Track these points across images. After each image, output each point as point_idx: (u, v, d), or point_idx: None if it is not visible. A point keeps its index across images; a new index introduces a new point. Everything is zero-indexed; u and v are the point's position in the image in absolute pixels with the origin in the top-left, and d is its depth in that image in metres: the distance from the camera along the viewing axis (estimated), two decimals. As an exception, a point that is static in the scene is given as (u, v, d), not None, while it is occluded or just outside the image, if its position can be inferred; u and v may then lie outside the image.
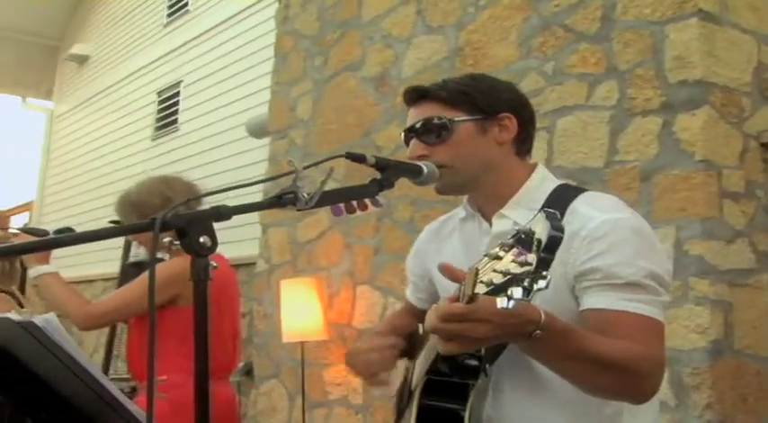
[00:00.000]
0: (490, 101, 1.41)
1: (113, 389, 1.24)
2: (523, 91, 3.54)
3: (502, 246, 0.91)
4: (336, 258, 4.45)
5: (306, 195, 1.14)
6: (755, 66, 3.04)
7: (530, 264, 0.87)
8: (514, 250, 0.89)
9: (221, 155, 6.48)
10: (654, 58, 2.99)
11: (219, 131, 6.76)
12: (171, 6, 8.18)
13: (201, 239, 1.03)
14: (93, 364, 1.24)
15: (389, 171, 1.29)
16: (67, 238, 1.07)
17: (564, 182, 1.46)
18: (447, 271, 1.14)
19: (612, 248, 1.25)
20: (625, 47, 3.09)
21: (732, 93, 2.93)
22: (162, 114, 7.97)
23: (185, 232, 1.03)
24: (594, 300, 1.24)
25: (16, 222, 8.97)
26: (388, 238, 4.14)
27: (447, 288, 1.44)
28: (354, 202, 1.27)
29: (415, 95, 1.44)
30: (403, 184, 1.42)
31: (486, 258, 0.93)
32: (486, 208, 1.44)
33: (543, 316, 1.06)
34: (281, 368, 4.74)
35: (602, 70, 3.17)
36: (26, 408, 1.34)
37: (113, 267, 4.69)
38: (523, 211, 1.37)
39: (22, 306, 3.24)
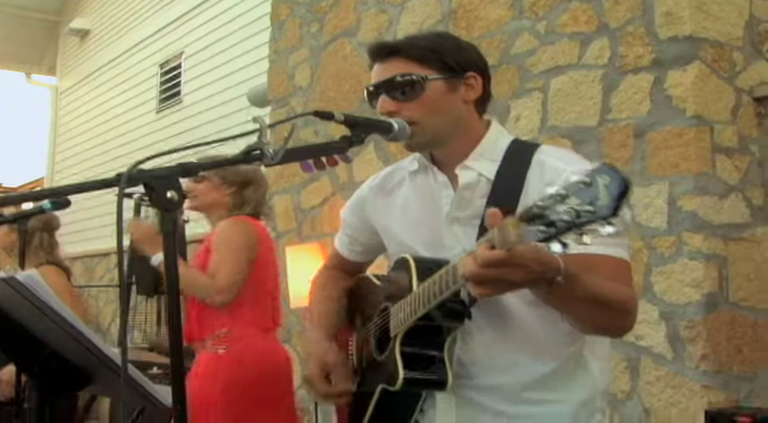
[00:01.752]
0: (459, 60, 1.43)
1: (96, 340, 1.30)
2: (517, 52, 3.57)
3: (551, 196, 0.94)
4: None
5: (271, 151, 1.16)
6: (747, 19, 3.02)
7: (595, 212, 0.90)
8: (572, 199, 0.91)
9: (225, 125, 6.51)
10: (644, 16, 2.98)
11: (222, 102, 6.78)
12: (169, -23, 8.13)
13: (168, 194, 1.06)
14: (75, 317, 1.30)
15: (359, 128, 1.31)
16: (40, 192, 1.10)
17: (514, 137, 1.50)
18: (494, 217, 1.12)
19: None
20: (615, 4, 3.08)
21: (723, 47, 2.93)
22: (165, 86, 7.99)
23: (152, 188, 1.06)
24: (576, 246, 1.29)
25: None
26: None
27: (403, 241, 1.51)
28: (323, 158, 1.29)
29: (384, 52, 1.45)
30: (403, 148, 1.46)
31: (536, 204, 0.95)
32: (446, 161, 1.47)
33: (562, 263, 1.13)
34: (292, 333, 4.83)
35: (593, 28, 3.16)
36: (20, 362, 1.40)
37: (125, 240, 4.77)
38: (486, 162, 1.42)
39: (69, 277, 3.34)
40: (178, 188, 1.08)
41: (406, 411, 1.44)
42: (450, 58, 1.42)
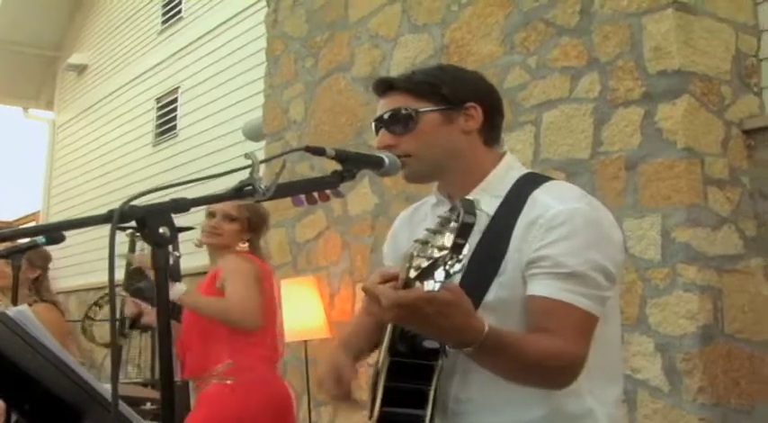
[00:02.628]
0: (456, 91, 1.44)
1: (89, 377, 1.29)
2: (509, 86, 3.61)
3: (429, 232, 0.97)
4: (335, 257, 4.50)
5: (263, 187, 1.17)
6: (734, 54, 3.07)
7: (447, 248, 0.93)
8: (437, 236, 0.95)
9: (221, 159, 6.54)
10: (633, 50, 3.02)
11: (218, 136, 6.83)
12: (165, 14, 8.24)
13: (161, 230, 1.07)
14: (67, 354, 1.29)
15: (350, 163, 1.32)
16: (34, 228, 1.10)
17: (530, 171, 1.50)
18: (382, 276, 1.17)
19: (565, 238, 1.30)
20: (605, 39, 3.12)
21: (712, 81, 2.96)
22: (161, 121, 8.05)
23: (144, 223, 1.07)
24: (538, 287, 1.29)
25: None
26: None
27: None
28: (315, 194, 1.30)
29: (384, 87, 1.48)
30: (398, 181, 1.47)
31: (417, 243, 1.00)
32: (454, 195, 1.48)
33: (485, 332, 1.14)
34: (287, 367, 4.80)
35: (583, 63, 3.20)
36: (10, 399, 1.38)
37: (119, 274, 4.76)
38: (488, 198, 1.41)
39: (63, 315, 3.33)
40: (170, 224, 1.09)
41: None
42: (447, 89, 1.43)
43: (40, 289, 3.17)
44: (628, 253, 2.97)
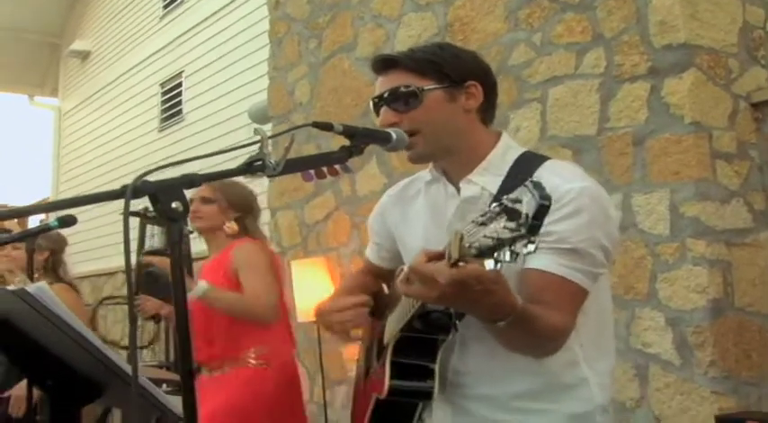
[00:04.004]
0: (457, 69, 1.44)
1: (110, 352, 1.31)
2: (514, 63, 3.59)
3: (488, 213, 0.97)
4: (345, 238, 4.52)
5: (273, 162, 1.17)
6: (741, 26, 3.04)
7: (518, 230, 0.92)
8: (503, 217, 0.94)
9: (227, 142, 6.55)
10: (638, 24, 3.00)
11: (224, 119, 6.82)
12: (166, -2, 8.21)
13: (174, 205, 1.08)
14: (88, 329, 1.31)
15: (358, 138, 1.33)
16: (42, 206, 1.11)
17: (527, 150, 1.51)
18: (430, 256, 1.17)
19: (571, 216, 1.32)
20: (609, 14, 3.10)
21: (718, 54, 2.94)
22: (166, 105, 8.04)
23: (157, 199, 1.08)
24: (538, 261, 1.30)
25: (33, 219, 9.12)
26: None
27: (412, 250, 1.52)
28: (324, 168, 1.31)
29: (384, 64, 1.47)
30: (406, 161, 1.47)
31: (473, 224, 0.98)
32: (453, 173, 1.49)
33: (518, 308, 1.16)
34: (300, 348, 4.84)
35: (588, 39, 3.18)
36: (32, 376, 1.40)
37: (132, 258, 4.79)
38: (491, 177, 1.43)
39: (81, 297, 3.37)
40: (182, 199, 1.09)
41: (405, 417, 1.44)
42: (449, 67, 1.44)
43: (57, 270, 3.20)
44: (637, 228, 2.97)
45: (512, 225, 0.93)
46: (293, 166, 1.25)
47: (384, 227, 1.67)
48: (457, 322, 1.34)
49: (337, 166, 1.33)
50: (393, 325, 1.42)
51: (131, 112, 8.66)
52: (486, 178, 1.43)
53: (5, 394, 3.03)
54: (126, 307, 6.87)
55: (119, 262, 7.88)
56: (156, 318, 2.99)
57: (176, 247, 1.08)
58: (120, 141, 8.77)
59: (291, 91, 4.99)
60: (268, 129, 5.43)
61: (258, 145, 1.17)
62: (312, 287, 4.48)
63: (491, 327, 1.21)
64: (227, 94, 6.80)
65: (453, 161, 1.48)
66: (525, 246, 0.94)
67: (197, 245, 5.81)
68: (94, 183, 9.17)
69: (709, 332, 2.77)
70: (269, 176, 1.20)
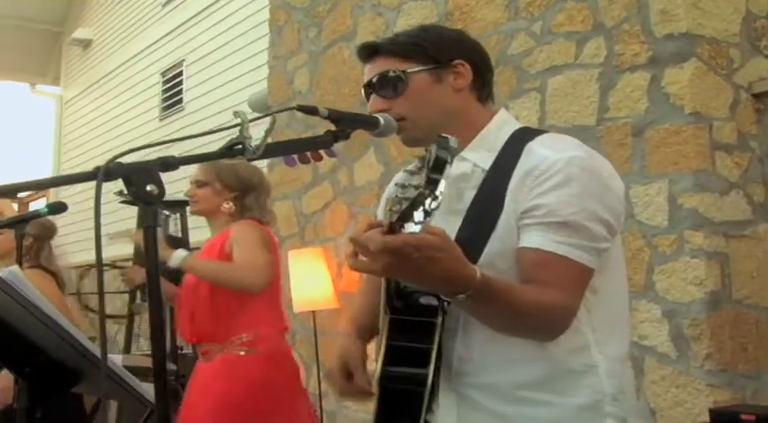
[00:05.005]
0: (441, 49, 1.42)
1: (82, 338, 1.29)
2: (513, 52, 3.56)
3: (407, 173, 0.96)
4: (342, 228, 4.50)
5: (253, 145, 1.15)
6: (744, 15, 3.00)
7: (420, 186, 0.91)
8: (415, 176, 0.94)
9: (228, 131, 6.52)
10: (639, 13, 2.97)
11: (224, 108, 6.79)
12: (168, -14, 8.18)
13: (148, 188, 1.06)
14: (57, 312, 1.29)
15: (344, 123, 1.30)
16: (21, 184, 1.09)
17: (524, 125, 1.47)
18: (366, 224, 1.17)
19: (559, 186, 1.27)
20: (610, 3, 3.07)
21: (720, 44, 2.91)
22: (167, 94, 8.02)
23: (130, 181, 1.06)
24: (530, 238, 1.27)
25: (34, 208, 9.10)
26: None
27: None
28: (308, 153, 1.29)
29: (368, 52, 1.46)
30: (404, 151, 1.44)
31: (397, 187, 0.98)
32: None
33: (477, 279, 1.12)
34: (296, 338, 4.83)
35: (588, 28, 3.15)
36: (9, 363, 1.39)
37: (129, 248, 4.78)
38: (483, 152, 1.39)
39: (61, 285, 3.33)
40: (158, 181, 1.07)
41: (414, 407, 1.36)
42: (433, 48, 1.41)
43: (38, 257, 3.16)
44: (635, 219, 2.94)
45: (415, 182, 0.92)
46: (276, 150, 1.22)
47: None
48: (445, 305, 1.29)
49: (322, 151, 1.30)
50: (381, 312, 1.38)
51: (132, 100, 8.64)
52: (478, 154, 1.40)
53: None
54: (125, 296, 6.87)
55: (116, 252, 7.87)
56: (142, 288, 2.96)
57: (150, 231, 1.05)
58: (121, 130, 8.75)
59: (291, 80, 4.96)
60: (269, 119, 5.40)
61: (239, 128, 1.15)
62: (309, 277, 4.46)
63: (458, 303, 1.17)
64: (227, 83, 6.78)
65: None
66: (429, 203, 0.92)
67: (195, 235, 5.81)
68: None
69: (705, 325, 2.75)
70: (249, 160, 1.19)
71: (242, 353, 2.65)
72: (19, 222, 2.43)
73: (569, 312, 1.27)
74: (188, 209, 5.68)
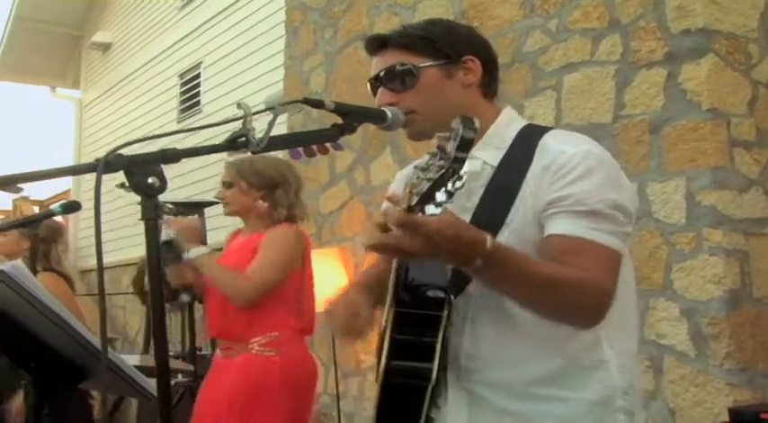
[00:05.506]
0: (452, 44, 1.41)
1: (85, 332, 1.29)
2: (529, 50, 3.55)
3: (429, 154, 0.95)
4: (359, 228, 4.50)
5: (256, 138, 1.14)
6: (762, 11, 2.97)
7: (446, 164, 0.90)
8: (435, 158, 0.92)
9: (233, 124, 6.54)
10: (655, 9, 2.94)
11: (241, 110, 6.82)
12: (185, -11, 8.24)
13: (150, 180, 1.06)
14: (61, 306, 1.29)
15: (351, 116, 1.29)
16: (22, 175, 1.08)
17: (530, 122, 1.47)
18: (389, 198, 1.17)
19: (582, 177, 1.28)
20: (626, 0, 3.04)
21: (738, 39, 2.88)
22: (185, 96, 8.08)
23: (132, 173, 1.06)
24: (558, 225, 1.26)
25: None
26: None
27: None
28: (314, 147, 1.28)
29: (377, 44, 1.44)
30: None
31: (417, 170, 0.97)
32: None
33: (489, 244, 1.11)
34: (314, 338, 4.83)
35: (604, 24, 3.13)
36: (15, 358, 1.39)
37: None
38: (492, 150, 1.39)
39: (72, 287, 3.36)
40: (159, 174, 1.07)
41: (416, 402, 1.34)
42: (444, 43, 1.40)
43: (49, 259, 3.18)
44: (652, 217, 2.92)
45: (440, 162, 0.91)
46: (281, 143, 1.22)
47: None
48: (451, 297, 1.29)
49: (328, 144, 1.29)
50: (387, 300, 1.36)
51: (151, 103, 8.71)
52: (487, 152, 1.39)
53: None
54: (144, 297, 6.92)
55: (137, 253, 7.93)
56: (176, 296, 2.94)
57: (151, 224, 1.05)
58: (140, 132, 8.81)
59: (307, 80, 4.98)
60: (284, 118, 5.42)
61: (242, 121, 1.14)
62: (326, 277, 4.46)
63: (477, 271, 1.15)
64: (244, 84, 6.81)
65: None
66: (453, 182, 0.92)
67: (212, 236, 5.83)
68: (113, 174, 9.21)
69: (725, 323, 2.72)
70: (253, 152, 1.18)
71: (263, 354, 2.65)
72: (33, 222, 2.44)
73: (605, 295, 1.25)
74: (206, 211, 5.75)
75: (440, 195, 0.93)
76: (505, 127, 1.42)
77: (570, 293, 1.22)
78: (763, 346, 2.79)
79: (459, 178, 0.91)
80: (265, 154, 2.79)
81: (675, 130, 2.88)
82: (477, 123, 0.99)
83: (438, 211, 0.95)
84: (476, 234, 1.11)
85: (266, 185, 2.75)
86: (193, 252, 2.60)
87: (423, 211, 1.00)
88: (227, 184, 2.76)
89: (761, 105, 2.92)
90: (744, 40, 2.90)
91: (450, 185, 0.93)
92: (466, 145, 0.90)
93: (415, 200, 0.97)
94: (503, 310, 1.33)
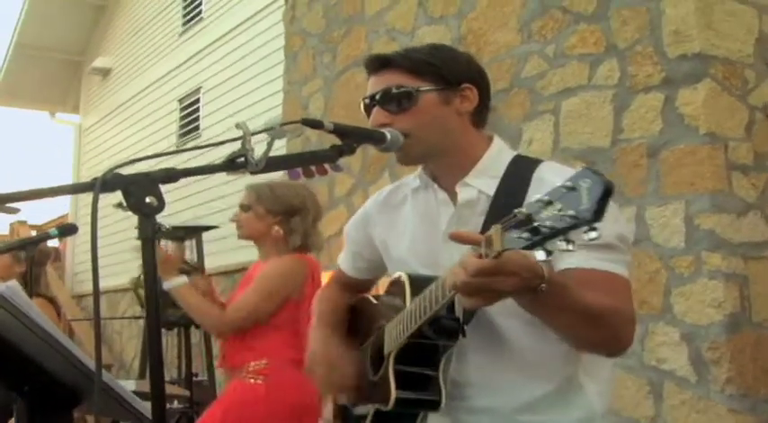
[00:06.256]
0: (453, 71, 1.40)
1: (80, 353, 1.27)
2: (527, 75, 3.57)
3: (536, 202, 0.92)
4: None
5: (255, 158, 1.13)
6: (757, 37, 3.00)
7: (578, 216, 0.88)
8: (556, 206, 0.90)
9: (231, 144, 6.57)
10: (652, 34, 2.97)
11: (241, 135, 6.85)
12: (185, 15, 8.31)
13: (147, 199, 1.05)
14: (55, 327, 1.27)
15: (350, 137, 1.28)
16: (13, 194, 1.07)
17: (518, 153, 1.47)
18: (458, 237, 1.14)
19: None
20: (623, 25, 3.07)
21: (734, 65, 2.90)
22: (184, 121, 8.11)
23: (129, 192, 1.05)
24: (569, 260, 1.26)
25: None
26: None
27: (398, 260, 1.48)
28: (313, 167, 1.27)
29: (378, 64, 1.43)
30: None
31: (514, 215, 0.95)
32: (446, 178, 1.44)
33: (546, 271, 1.10)
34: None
35: (601, 50, 3.16)
36: (8, 381, 1.36)
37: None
38: (486, 179, 1.38)
39: (59, 313, 3.34)
40: (157, 193, 1.06)
41: None
42: (446, 69, 1.40)
43: (39, 283, 3.17)
44: (651, 241, 2.92)
45: (571, 211, 0.89)
46: (280, 163, 1.22)
47: (366, 236, 1.60)
48: (465, 327, 1.29)
49: (327, 165, 1.29)
50: (395, 333, 1.35)
51: (150, 128, 8.74)
52: (482, 180, 1.39)
53: None
54: (141, 322, 6.88)
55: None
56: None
57: (148, 244, 1.04)
58: (139, 157, 8.84)
59: (306, 105, 5.00)
60: (283, 143, 5.44)
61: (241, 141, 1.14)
62: (324, 301, 4.44)
63: (536, 302, 1.14)
64: (243, 109, 6.84)
65: (444, 164, 1.43)
66: (587, 232, 0.89)
67: (210, 261, 5.81)
68: (113, 198, 9.22)
69: (725, 348, 2.71)
70: (252, 173, 1.17)
71: (249, 380, 2.62)
72: (29, 244, 2.43)
73: (632, 321, 1.28)
74: (203, 235, 5.73)
75: (558, 244, 0.91)
76: (497, 156, 1.42)
77: (611, 322, 1.23)
78: (764, 371, 2.77)
79: (595, 229, 0.89)
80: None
81: (673, 154, 2.89)
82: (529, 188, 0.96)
83: (547, 258, 0.94)
84: (533, 261, 1.08)
85: (283, 211, 2.67)
86: (167, 284, 2.55)
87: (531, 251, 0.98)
88: (245, 208, 2.70)
89: (758, 130, 2.93)
90: (740, 66, 2.92)
91: (575, 235, 0.90)
92: (605, 199, 0.88)
93: (523, 244, 0.94)
94: (496, 337, 1.34)
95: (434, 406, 1.30)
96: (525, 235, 0.93)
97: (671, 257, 2.87)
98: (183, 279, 2.58)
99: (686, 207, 2.84)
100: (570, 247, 0.91)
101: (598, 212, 0.88)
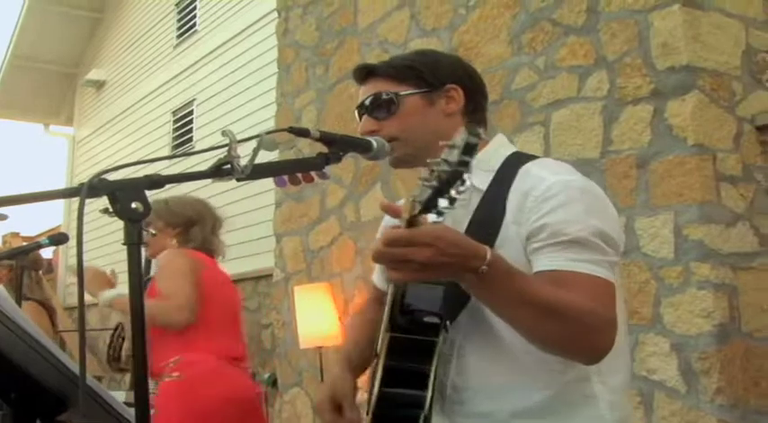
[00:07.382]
0: (435, 73, 1.43)
1: (64, 358, 1.27)
2: (517, 87, 3.59)
3: (428, 165, 0.94)
4: (349, 264, 4.49)
5: (241, 165, 1.14)
6: (744, 49, 3.03)
7: (447, 171, 0.90)
8: (439, 166, 0.92)
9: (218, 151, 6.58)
10: (640, 47, 2.99)
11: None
12: (179, 28, 8.34)
13: (133, 205, 1.05)
14: (40, 331, 1.27)
15: (337, 145, 1.30)
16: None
17: (519, 150, 1.47)
18: (386, 208, 1.17)
19: (561, 206, 1.26)
20: (612, 37, 3.10)
21: (722, 77, 2.92)
22: (177, 133, 8.13)
23: (116, 198, 1.05)
24: (542, 262, 1.24)
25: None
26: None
27: None
28: (299, 174, 1.27)
29: (363, 73, 1.47)
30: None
31: (420, 181, 0.97)
32: None
33: (489, 253, 1.09)
34: (303, 376, 4.79)
35: (591, 62, 3.18)
36: None
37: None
38: (480, 173, 1.37)
39: (52, 317, 3.32)
40: (143, 199, 1.06)
41: None
42: (427, 72, 1.42)
43: (31, 289, 3.17)
44: (640, 252, 2.93)
45: (443, 168, 0.92)
46: (267, 171, 1.22)
47: None
48: (447, 323, 1.28)
49: (313, 173, 1.30)
50: (382, 326, 1.34)
51: (144, 139, 8.75)
52: (476, 174, 1.38)
53: None
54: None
55: (123, 290, 7.84)
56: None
57: (134, 249, 1.04)
58: (133, 169, 8.82)
59: (299, 117, 5.01)
60: (275, 155, 5.45)
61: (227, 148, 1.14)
62: (315, 313, 4.45)
63: (477, 287, 1.12)
64: (236, 121, 6.86)
65: None
66: (457, 187, 0.92)
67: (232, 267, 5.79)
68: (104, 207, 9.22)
69: (715, 358, 2.71)
70: (237, 180, 1.17)
71: (168, 379, 2.61)
72: (20, 253, 2.44)
73: (608, 323, 1.20)
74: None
75: (442, 202, 0.93)
76: (494, 151, 1.42)
77: (583, 321, 1.17)
78: (753, 381, 2.77)
79: (463, 183, 0.91)
80: (181, 195, 2.82)
81: (662, 166, 2.90)
82: (482, 132, 0.99)
83: (440, 219, 0.96)
84: (475, 242, 1.10)
85: (182, 223, 2.80)
86: (102, 298, 2.58)
87: (424, 217, 1.00)
88: (150, 233, 2.79)
89: (746, 141, 2.96)
90: (727, 77, 2.94)
91: (453, 192, 0.92)
92: (470, 149, 0.90)
93: (418, 208, 0.97)
94: (493, 338, 1.31)
95: (419, 403, 1.25)
96: (424, 197, 0.96)
97: (660, 268, 2.88)
98: (115, 291, 2.59)
99: (675, 218, 2.85)
100: (447, 204, 0.94)
101: (462, 163, 0.91)
